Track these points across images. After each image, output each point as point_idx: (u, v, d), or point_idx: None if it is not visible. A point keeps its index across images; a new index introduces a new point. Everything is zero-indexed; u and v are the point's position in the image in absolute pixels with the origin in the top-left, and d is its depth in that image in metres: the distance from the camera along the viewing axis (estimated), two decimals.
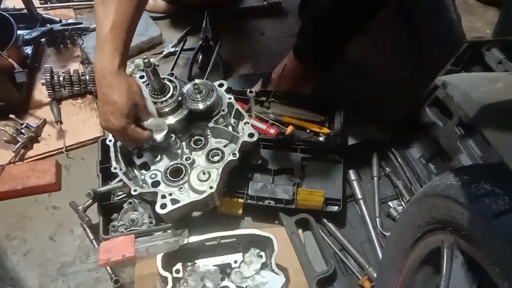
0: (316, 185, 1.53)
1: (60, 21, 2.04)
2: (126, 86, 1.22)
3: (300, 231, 1.53)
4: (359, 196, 1.59)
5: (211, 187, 1.35)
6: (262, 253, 1.36)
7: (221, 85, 1.54)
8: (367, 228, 1.54)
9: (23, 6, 1.99)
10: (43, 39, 1.95)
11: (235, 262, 1.34)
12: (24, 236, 1.58)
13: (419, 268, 1.06)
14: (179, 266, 1.32)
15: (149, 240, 1.26)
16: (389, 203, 1.60)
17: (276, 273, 1.29)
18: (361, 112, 1.72)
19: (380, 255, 1.49)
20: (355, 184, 1.61)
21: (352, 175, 1.61)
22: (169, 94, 1.42)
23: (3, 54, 1.55)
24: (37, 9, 2.05)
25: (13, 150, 1.69)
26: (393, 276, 1.16)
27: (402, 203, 1.58)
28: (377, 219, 1.55)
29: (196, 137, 1.51)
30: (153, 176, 1.44)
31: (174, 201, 1.34)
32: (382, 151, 1.65)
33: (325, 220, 1.55)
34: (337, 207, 1.51)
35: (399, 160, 1.61)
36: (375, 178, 1.62)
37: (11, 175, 1.65)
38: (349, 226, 1.57)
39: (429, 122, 1.42)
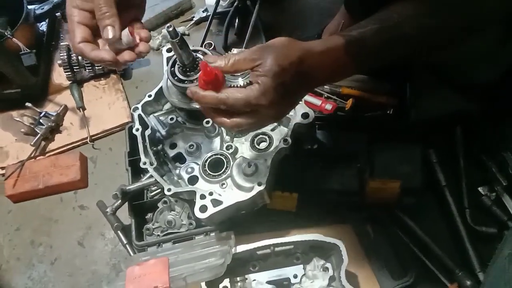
0: (388, 172, 1.24)
1: None
2: None
3: (369, 228, 1.27)
4: (443, 182, 1.29)
5: (259, 184, 1.10)
6: (328, 265, 1.11)
7: None
8: (454, 223, 1.26)
9: None
10: (58, 13, 1.72)
11: (295, 276, 1.10)
12: (50, 242, 1.42)
13: None
14: (226, 282, 1.09)
15: (188, 255, 1.02)
16: (480, 189, 1.29)
17: None
18: (440, 77, 1.38)
19: (472, 255, 1.20)
20: (437, 167, 1.30)
21: (432, 156, 1.31)
22: None
23: (7, 34, 1.33)
24: None
25: (32, 143, 1.50)
26: None
27: (497, 189, 1.27)
28: (466, 210, 1.26)
29: None
30: (190, 170, 1.21)
31: (216, 202, 1.10)
32: (469, 126, 1.34)
33: (400, 213, 1.27)
34: (416, 198, 1.24)
35: (491, 135, 1.28)
36: (461, 159, 1.31)
37: (31, 172, 1.48)
38: (431, 220, 1.29)
39: None
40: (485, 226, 1.24)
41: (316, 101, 1.39)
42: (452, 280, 1.19)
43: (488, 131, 1.32)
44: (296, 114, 1.16)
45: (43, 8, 1.69)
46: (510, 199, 1.25)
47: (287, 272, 1.11)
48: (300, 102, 1.18)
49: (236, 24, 1.73)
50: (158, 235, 1.29)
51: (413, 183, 1.23)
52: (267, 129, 1.22)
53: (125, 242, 1.30)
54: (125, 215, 1.32)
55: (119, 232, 1.30)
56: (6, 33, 1.36)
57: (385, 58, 0.96)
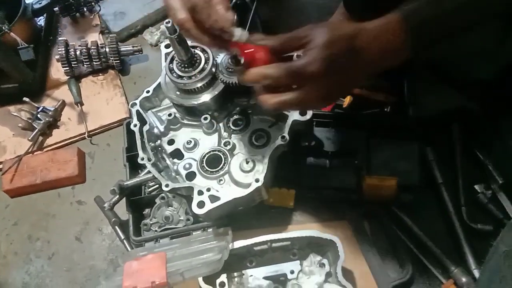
0: (385, 170, 1.24)
1: None
2: None
3: (366, 224, 1.27)
4: (439, 180, 1.29)
5: (257, 180, 1.10)
6: (325, 261, 1.11)
7: None
8: (450, 220, 1.26)
9: None
10: (56, 8, 1.72)
11: (292, 272, 1.10)
12: (48, 237, 1.41)
13: None
14: (223, 278, 1.09)
15: (185, 250, 1.02)
16: (476, 187, 1.29)
17: (344, 286, 1.04)
18: (438, 75, 1.38)
19: (468, 253, 1.21)
20: (433, 165, 1.30)
21: (429, 154, 1.31)
22: (200, 67, 1.16)
23: (4, 29, 1.32)
24: None
25: (30, 138, 1.50)
26: None
27: (493, 187, 1.27)
28: (462, 208, 1.26)
29: (235, 117, 1.25)
30: (187, 166, 1.21)
31: (214, 198, 1.10)
32: (467, 124, 1.34)
33: (397, 211, 1.27)
34: (413, 195, 1.24)
35: (488, 133, 1.28)
36: (458, 157, 1.31)
37: (29, 167, 1.47)
38: (427, 217, 1.28)
39: None
40: (481, 223, 1.24)
41: None
42: (448, 277, 1.19)
43: (486, 129, 1.32)
44: (294, 111, 1.16)
45: (40, 3, 1.67)
46: (506, 197, 1.25)
47: (284, 267, 1.11)
48: None
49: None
50: (156, 231, 1.29)
51: (410, 180, 1.23)
52: (264, 126, 1.22)
53: (122, 237, 1.30)
54: (122, 211, 1.31)
55: (116, 227, 1.30)
56: (3, 27, 1.35)
57: (440, 33, 0.91)
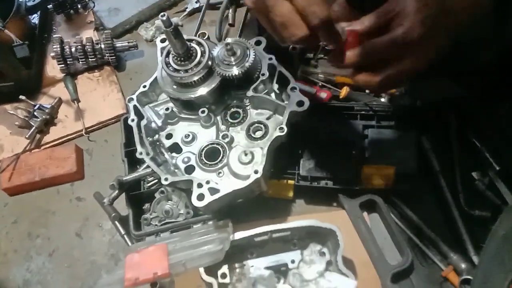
0: (383, 159, 1.25)
1: None
2: None
3: (365, 214, 1.28)
4: (437, 168, 1.30)
5: (256, 171, 1.10)
6: (325, 250, 1.11)
7: (258, 43, 1.26)
8: (448, 207, 1.26)
9: None
10: (50, 5, 1.71)
11: (293, 262, 1.11)
12: (48, 234, 1.41)
13: None
14: (225, 269, 1.10)
15: (187, 243, 1.03)
16: (473, 174, 1.29)
17: (345, 274, 1.05)
18: (434, 63, 1.37)
19: (467, 239, 1.22)
20: (430, 154, 1.31)
21: (426, 143, 1.32)
22: (196, 60, 1.16)
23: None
24: None
25: (27, 136, 1.49)
26: (502, 278, 0.89)
27: (490, 174, 1.28)
28: (460, 195, 1.27)
29: (232, 110, 1.25)
30: (186, 160, 1.21)
31: (213, 191, 1.10)
32: (463, 111, 1.34)
33: (395, 199, 1.28)
34: (411, 183, 1.24)
35: (486, 121, 1.29)
36: (455, 145, 1.32)
37: (27, 165, 1.47)
38: (426, 205, 1.29)
39: None
40: (479, 210, 1.24)
41: (311, 89, 1.39)
42: (447, 263, 1.20)
43: (482, 117, 1.32)
44: (291, 102, 1.16)
45: (34, 0, 1.67)
46: (503, 183, 1.25)
47: (285, 257, 1.11)
48: (295, 91, 1.18)
49: (229, 14, 1.73)
50: (156, 225, 1.29)
51: (407, 169, 1.23)
52: (262, 118, 1.22)
53: (122, 232, 1.30)
54: (122, 206, 1.31)
55: (116, 222, 1.30)
56: None
57: None
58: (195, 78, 1.17)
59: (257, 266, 1.11)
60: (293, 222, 1.11)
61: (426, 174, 1.31)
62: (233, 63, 1.18)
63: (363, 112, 1.31)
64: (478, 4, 0.89)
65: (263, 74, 1.20)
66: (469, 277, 1.14)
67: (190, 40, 1.19)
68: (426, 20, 0.83)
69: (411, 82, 1.33)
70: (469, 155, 1.32)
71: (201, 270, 1.05)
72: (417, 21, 0.82)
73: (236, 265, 1.13)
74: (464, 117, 1.34)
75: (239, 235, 1.10)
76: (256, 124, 1.21)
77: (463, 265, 1.18)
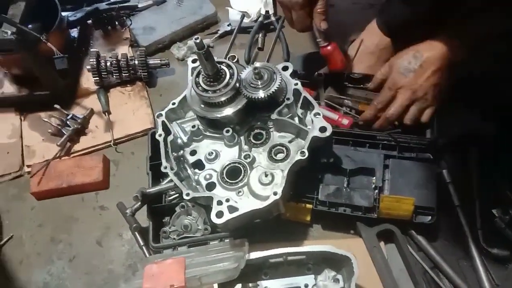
0: (402, 190, 1.26)
1: (107, 0, 1.87)
2: None
3: (382, 244, 1.28)
4: (456, 202, 1.29)
5: (275, 193, 1.12)
6: (339, 277, 1.12)
7: (285, 68, 1.30)
8: (466, 243, 1.26)
9: None
10: (89, 21, 1.79)
11: (306, 286, 1.11)
12: (70, 240, 1.45)
13: None
14: (238, 287, 1.11)
15: (203, 258, 1.05)
16: (494, 211, 1.28)
17: None
18: (457, 96, 1.38)
19: (483, 277, 1.21)
20: (450, 187, 1.31)
21: (446, 176, 1.32)
22: (225, 81, 1.21)
23: (42, 38, 1.39)
24: None
25: (58, 144, 1.55)
26: None
27: (511, 212, 1.27)
28: (479, 231, 1.26)
29: (256, 131, 1.28)
30: (208, 177, 1.24)
31: (232, 209, 1.13)
32: (484, 146, 1.35)
33: (413, 232, 1.28)
34: (429, 217, 1.24)
35: (507, 157, 1.29)
36: (475, 180, 1.32)
37: (56, 172, 1.52)
38: (443, 239, 1.29)
39: None
40: (498, 248, 1.24)
41: (333, 115, 1.41)
42: None
43: (504, 153, 1.32)
44: (314, 128, 1.18)
45: (75, 16, 1.74)
46: None
47: (299, 281, 1.12)
48: (318, 116, 1.21)
49: (259, 39, 1.78)
50: (174, 238, 1.32)
51: (427, 202, 1.24)
52: (284, 141, 1.25)
53: (142, 243, 1.33)
54: (143, 218, 1.34)
55: (136, 233, 1.33)
56: (41, 37, 1.42)
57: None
58: (223, 99, 1.21)
59: (270, 287, 1.12)
60: (309, 247, 1.12)
61: (445, 208, 1.30)
62: (260, 86, 1.21)
63: (385, 142, 1.32)
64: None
65: (288, 99, 1.23)
66: None
67: (220, 62, 1.24)
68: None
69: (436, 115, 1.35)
70: (490, 191, 1.31)
71: (215, 285, 1.07)
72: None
73: (250, 285, 1.14)
74: (486, 152, 1.34)
75: (255, 255, 1.11)
76: (278, 147, 1.24)
77: None
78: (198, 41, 1.12)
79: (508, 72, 1.30)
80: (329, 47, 1.39)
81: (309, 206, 1.29)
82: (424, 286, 1.19)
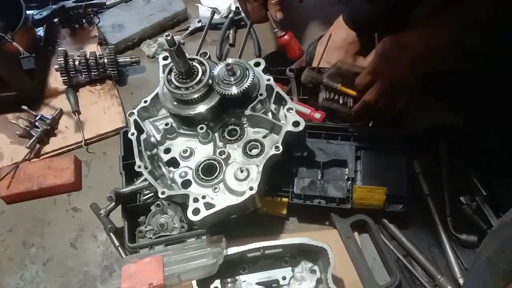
0: (374, 180, 1.29)
1: None
2: None
3: (356, 234, 1.31)
4: (426, 191, 1.33)
5: (251, 188, 1.13)
6: (316, 267, 1.14)
7: (257, 64, 1.31)
8: (436, 230, 1.30)
9: None
10: (56, 19, 1.75)
11: (284, 278, 1.13)
12: (43, 243, 1.42)
13: None
14: (217, 283, 1.12)
15: (181, 256, 1.05)
16: (462, 199, 1.33)
17: None
18: (426, 89, 1.40)
19: (453, 262, 1.25)
20: (420, 177, 1.35)
21: (416, 166, 1.36)
22: (198, 78, 1.21)
23: (7, 38, 1.35)
24: None
25: (27, 145, 1.51)
26: None
27: (477, 199, 1.32)
28: (448, 218, 1.30)
29: (230, 127, 1.29)
30: (183, 174, 1.24)
31: (209, 206, 1.13)
32: (454, 137, 1.39)
33: (385, 220, 1.31)
34: (401, 205, 1.28)
35: (474, 147, 1.34)
36: (444, 170, 1.36)
37: (26, 174, 1.48)
38: (414, 227, 1.32)
39: None
40: (466, 234, 1.28)
41: (306, 110, 1.42)
42: (434, 285, 1.23)
43: (471, 142, 1.36)
44: (288, 122, 1.20)
45: (41, 14, 1.70)
46: (490, 208, 1.29)
47: (276, 274, 1.14)
48: (291, 111, 1.23)
49: (230, 35, 1.78)
50: (151, 238, 1.30)
51: (398, 191, 1.27)
52: (259, 136, 1.26)
53: (117, 244, 1.31)
54: (117, 219, 1.33)
55: (111, 234, 1.32)
56: (6, 37, 1.37)
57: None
58: (196, 96, 1.21)
59: (249, 281, 1.14)
60: (285, 239, 1.14)
61: (416, 197, 1.34)
62: (233, 82, 1.22)
63: (356, 134, 1.35)
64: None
65: (261, 94, 1.25)
66: None
67: (192, 59, 1.24)
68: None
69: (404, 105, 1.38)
70: (458, 180, 1.36)
71: (194, 284, 1.07)
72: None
73: (228, 280, 1.15)
74: (455, 143, 1.38)
75: (232, 250, 1.12)
76: (253, 142, 1.25)
77: (449, 287, 1.21)
78: (169, 38, 1.12)
79: (478, 65, 1.34)
80: (285, 37, 1.44)
81: (284, 199, 1.30)
82: (398, 273, 1.22)
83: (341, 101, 1.38)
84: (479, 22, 1.15)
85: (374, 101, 1.30)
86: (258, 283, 1.13)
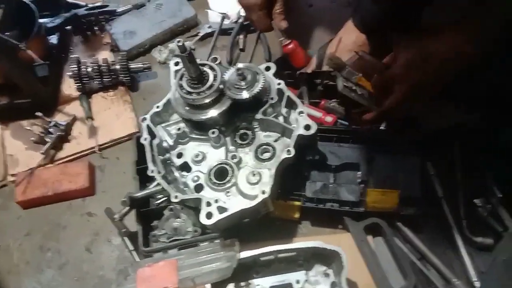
0: (387, 183, 1.28)
1: (86, 5, 1.85)
2: None
3: (369, 237, 1.30)
4: (440, 194, 1.33)
5: (263, 192, 1.14)
6: (329, 271, 1.14)
7: (268, 69, 1.32)
8: (451, 233, 1.29)
9: None
10: (68, 27, 1.78)
11: (298, 282, 1.13)
12: (59, 247, 1.44)
13: None
14: (231, 287, 1.12)
15: (194, 260, 1.06)
16: (476, 201, 1.31)
17: None
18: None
19: (469, 265, 1.24)
20: (434, 180, 1.34)
21: (430, 168, 1.35)
22: (209, 83, 1.22)
23: (21, 46, 1.38)
24: None
25: (42, 151, 1.54)
26: None
27: (492, 201, 1.30)
28: (463, 221, 1.29)
29: (241, 132, 1.29)
30: (196, 179, 1.25)
31: (221, 209, 1.14)
32: (468, 138, 1.38)
33: (399, 224, 1.31)
34: (415, 208, 1.27)
35: (489, 148, 1.33)
36: (458, 172, 1.35)
37: (41, 180, 1.50)
38: (429, 230, 1.31)
39: None
40: (482, 236, 1.26)
41: (317, 113, 1.43)
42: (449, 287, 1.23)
43: (486, 144, 1.35)
44: (299, 126, 1.20)
45: (54, 22, 1.73)
46: (505, 210, 1.28)
47: (290, 277, 1.14)
48: (302, 115, 1.23)
49: (240, 40, 1.79)
50: (164, 242, 1.31)
51: (411, 194, 1.26)
52: (270, 140, 1.26)
53: (131, 248, 1.32)
54: (131, 223, 1.33)
55: (125, 238, 1.33)
56: (20, 45, 1.40)
57: None
58: (207, 101, 1.22)
59: (263, 285, 1.14)
60: (299, 243, 1.14)
61: (430, 199, 1.33)
62: (243, 87, 1.23)
63: (368, 137, 1.35)
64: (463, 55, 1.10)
65: (272, 98, 1.25)
66: None
67: (203, 65, 1.25)
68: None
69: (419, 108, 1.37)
70: (473, 181, 1.34)
71: (208, 287, 1.07)
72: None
73: (242, 283, 1.15)
74: (468, 144, 1.37)
75: (246, 254, 1.12)
76: (264, 146, 1.25)
77: None
78: (180, 44, 1.13)
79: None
80: (290, 45, 1.46)
81: (297, 203, 1.30)
82: (413, 276, 1.21)
83: (359, 92, 1.35)
84: (509, 22, 1.06)
85: (392, 110, 1.25)
86: (271, 287, 1.13)
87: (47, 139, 1.56)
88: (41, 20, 1.67)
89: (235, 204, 1.15)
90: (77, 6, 1.83)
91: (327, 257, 1.15)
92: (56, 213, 1.50)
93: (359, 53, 1.29)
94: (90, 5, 1.82)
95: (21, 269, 1.41)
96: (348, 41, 1.48)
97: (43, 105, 1.65)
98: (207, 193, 1.21)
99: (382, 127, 1.42)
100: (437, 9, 1.35)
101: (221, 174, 1.23)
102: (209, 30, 1.84)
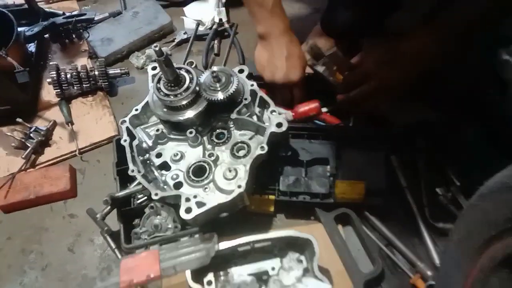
0: (355, 176, 1.37)
1: (63, 14, 1.90)
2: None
3: (340, 227, 1.38)
4: (404, 184, 1.42)
5: (239, 186, 1.20)
6: (302, 257, 1.21)
7: (241, 71, 1.39)
8: (415, 220, 1.38)
9: (24, 1, 1.86)
10: (47, 35, 1.83)
11: (273, 269, 1.20)
12: (41, 249, 1.47)
13: (495, 271, 0.90)
14: (210, 276, 1.18)
15: (175, 253, 1.11)
16: (437, 190, 1.41)
17: (320, 280, 1.14)
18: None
19: (432, 249, 1.33)
20: (398, 171, 1.44)
21: (394, 161, 1.45)
22: (185, 86, 1.28)
23: (1, 54, 1.42)
24: (38, 3, 1.92)
25: (23, 156, 1.57)
26: (459, 279, 1.00)
27: (452, 189, 1.41)
28: (425, 208, 1.39)
29: (218, 131, 1.36)
30: (175, 176, 1.31)
31: (200, 204, 1.20)
32: (430, 134, 1.47)
33: (367, 213, 1.39)
34: (380, 198, 1.35)
35: (451, 143, 1.43)
36: (421, 164, 1.45)
37: (22, 184, 1.53)
38: (394, 218, 1.40)
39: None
40: (443, 222, 1.36)
41: (289, 112, 1.51)
42: (415, 271, 1.30)
43: (447, 139, 1.45)
44: (271, 124, 1.27)
45: (32, 30, 1.76)
46: (464, 197, 1.37)
47: (266, 265, 1.20)
48: (274, 113, 1.31)
49: (215, 45, 1.86)
50: (146, 239, 1.35)
51: (377, 185, 1.35)
52: (245, 138, 1.33)
53: (113, 246, 1.35)
54: (113, 223, 1.37)
55: (108, 236, 1.37)
56: (0, 52, 1.44)
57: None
58: (184, 102, 1.28)
59: (240, 273, 1.20)
60: (274, 233, 1.21)
61: (395, 190, 1.42)
62: (218, 88, 1.30)
63: (336, 133, 1.43)
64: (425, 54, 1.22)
65: (245, 99, 1.32)
66: (433, 282, 1.25)
67: (180, 68, 1.31)
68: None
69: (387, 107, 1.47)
70: (434, 173, 1.44)
71: (188, 277, 1.13)
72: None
73: (221, 273, 1.21)
74: (431, 139, 1.47)
75: (224, 245, 1.18)
76: (240, 144, 1.32)
77: (429, 273, 1.28)
78: (157, 48, 1.19)
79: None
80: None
81: (271, 197, 1.37)
82: (380, 262, 1.29)
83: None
84: (473, 23, 1.17)
85: (358, 100, 1.37)
86: (249, 274, 1.19)
87: (28, 144, 1.59)
88: (19, 29, 1.71)
89: (213, 199, 1.21)
90: (55, 14, 1.89)
91: (300, 245, 1.22)
92: (38, 216, 1.53)
93: (333, 49, 1.41)
94: (68, 14, 1.87)
95: (3, 273, 1.42)
96: (318, 44, 1.57)
97: (23, 111, 1.68)
98: (186, 190, 1.27)
99: (350, 124, 1.51)
100: (404, 14, 1.45)
101: (199, 172, 1.29)
102: (185, 36, 1.91)
